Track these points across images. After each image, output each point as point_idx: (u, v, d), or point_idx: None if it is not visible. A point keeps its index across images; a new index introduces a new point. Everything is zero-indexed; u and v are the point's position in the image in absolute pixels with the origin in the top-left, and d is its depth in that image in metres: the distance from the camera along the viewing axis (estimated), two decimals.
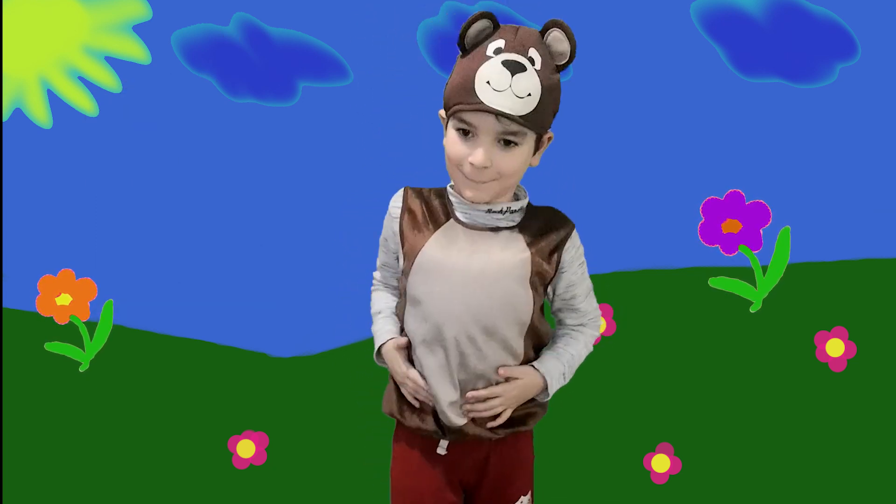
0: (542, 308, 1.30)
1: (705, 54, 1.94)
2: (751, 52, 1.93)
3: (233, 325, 2.05)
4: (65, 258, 2.03)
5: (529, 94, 1.16)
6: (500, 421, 1.27)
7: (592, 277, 1.37)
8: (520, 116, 1.15)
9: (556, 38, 1.19)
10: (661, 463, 2.01)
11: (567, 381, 1.32)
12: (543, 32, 1.20)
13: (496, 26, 1.20)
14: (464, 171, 1.19)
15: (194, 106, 1.98)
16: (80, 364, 2.05)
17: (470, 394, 1.24)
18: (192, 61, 1.97)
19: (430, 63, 1.95)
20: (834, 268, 1.97)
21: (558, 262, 1.25)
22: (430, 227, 1.25)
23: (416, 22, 1.94)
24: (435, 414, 1.27)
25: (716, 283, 1.98)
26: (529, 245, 1.23)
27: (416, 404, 1.28)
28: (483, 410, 1.25)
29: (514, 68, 1.15)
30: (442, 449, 1.29)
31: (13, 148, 2.01)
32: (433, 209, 1.27)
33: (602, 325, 1.99)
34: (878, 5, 1.91)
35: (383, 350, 1.31)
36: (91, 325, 2.05)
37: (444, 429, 1.27)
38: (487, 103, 1.14)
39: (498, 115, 1.15)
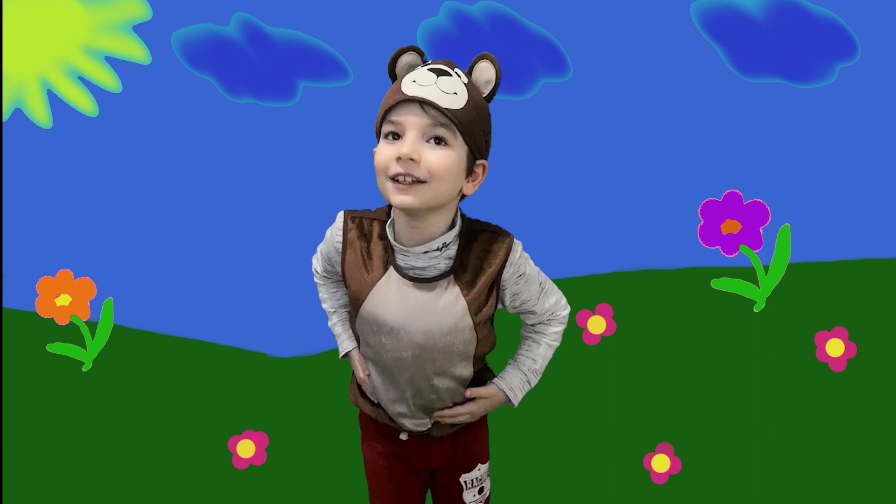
0: (490, 323, 1.33)
1: (705, 54, 1.94)
2: (751, 52, 1.93)
3: (233, 325, 2.05)
4: (65, 258, 2.03)
5: (456, 93, 1.14)
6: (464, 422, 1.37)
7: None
8: (446, 108, 1.12)
9: (483, 68, 1.19)
10: (661, 463, 2.01)
11: (533, 384, 1.37)
12: (471, 69, 1.21)
13: (423, 61, 1.22)
14: (390, 173, 1.14)
15: (194, 106, 1.99)
16: (82, 364, 2.05)
17: (437, 415, 1.34)
18: (192, 61, 1.97)
19: None
20: (834, 268, 1.98)
21: (498, 289, 1.25)
22: (371, 274, 1.24)
23: (416, 22, 1.94)
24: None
25: (719, 284, 1.98)
26: (466, 293, 1.23)
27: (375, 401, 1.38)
28: (451, 419, 1.35)
29: (440, 73, 1.15)
30: (404, 435, 1.38)
31: (13, 148, 2.01)
32: (372, 250, 1.25)
33: (602, 323, 2.00)
34: (878, 5, 1.91)
35: (351, 356, 1.42)
36: (92, 325, 2.05)
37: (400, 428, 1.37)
38: (412, 94, 1.13)
39: (422, 103, 1.12)
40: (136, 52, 1.97)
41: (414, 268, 1.23)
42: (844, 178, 1.95)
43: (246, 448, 2.06)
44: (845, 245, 1.97)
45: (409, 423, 1.35)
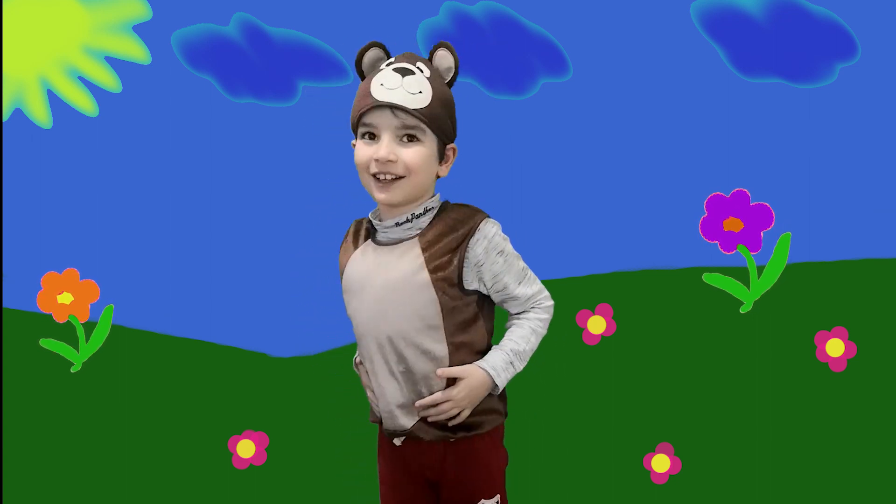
0: (478, 307, 1.33)
1: (705, 54, 1.94)
2: (751, 52, 1.93)
3: (233, 325, 2.05)
4: (65, 258, 2.03)
5: (421, 92, 1.25)
6: (457, 421, 1.32)
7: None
8: (414, 109, 1.24)
9: (441, 56, 1.30)
10: (661, 463, 2.01)
11: (519, 369, 1.35)
12: (430, 56, 1.31)
13: (388, 56, 1.31)
14: (371, 171, 1.26)
15: (194, 106, 1.99)
16: (72, 364, 2.05)
17: (418, 403, 1.30)
18: (192, 61, 1.98)
19: None
20: (834, 268, 1.97)
21: (462, 258, 1.29)
22: (353, 248, 1.36)
23: (416, 22, 1.94)
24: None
25: (709, 279, 1.98)
26: (424, 250, 1.29)
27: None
28: (436, 415, 1.31)
29: (404, 72, 1.26)
30: (397, 440, 1.35)
31: (13, 148, 2.01)
32: (359, 233, 1.37)
33: (602, 323, 2.00)
34: (878, 5, 1.91)
35: (356, 363, 1.44)
36: (89, 327, 2.05)
37: (394, 431, 1.34)
38: (382, 99, 1.24)
39: (392, 108, 1.24)
40: (136, 52, 1.97)
41: (389, 239, 1.32)
42: (844, 178, 1.95)
43: (246, 448, 2.06)
44: (845, 245, 1.97)
45: (390, 421, 1.32)
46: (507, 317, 1.40)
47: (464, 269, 1.28)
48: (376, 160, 1.25)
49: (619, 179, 1.97)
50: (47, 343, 2.04)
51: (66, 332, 2.05)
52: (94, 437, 2.07)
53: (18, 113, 1.99)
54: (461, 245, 1.28)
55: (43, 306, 2.03)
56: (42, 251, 2.03)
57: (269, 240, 2.02)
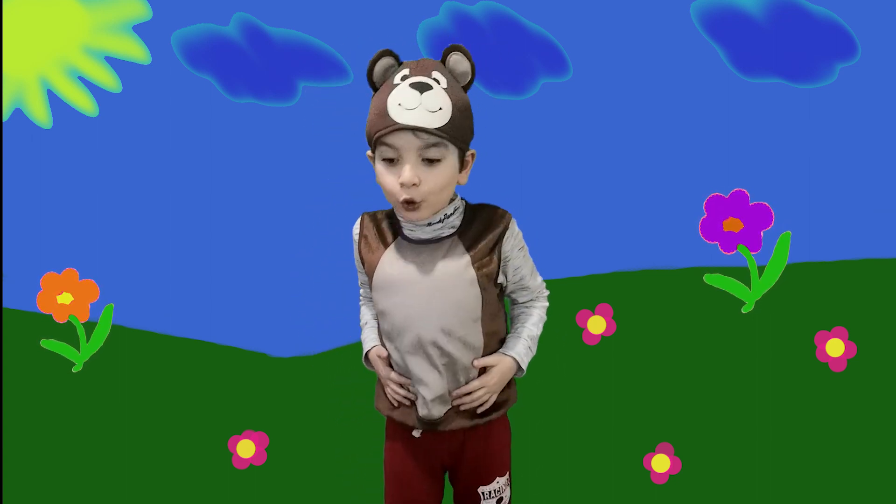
0: (499, 299, 1.42)
1: (705, 54, 1.94)
2: (751, 52, 1.93)
3: (233, 325, 2.05)
4: (65, 258, 2.03)
5: (440, 108, 1.24)
6: (486, 407, 1.41)
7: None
8: (435, 129, 1.23)
9: (456, 61, 1.29)
10: (661, 463, 2.02)
11: (534, 352, 1.44)
12: (444, 59, 1.30)
13: (399, 62, 1.30)
14: (399, 199, 1.27)
15: (194, 106, 1.99)
16: (73, 364, 2.05)
17: (456, 392, 1.38)
18: (192, 61, 1.98)
19: None
20: (834, 268, 1.98)
21: (500, 255, 1.36)
22: (382, 246, 1.37)
23: (416, 22, 1.94)
24: (414, 408, 1.40)
25: (711, 279, 1.98)
26: (469, 249, 1.34)
27: (395, 403, 1.42)
28: (471, 402, 1.39)
29: (422, 88, 1.24)
30: (416, 432, 1.41)
31: (13, 148, 2.01)
32: (382, 230, 1.38)
33: (602, 323, 2.01)
34: (878, 5, 1.91)
35: (369, 356, 1.47)
36: (89, 327, 2.05)
37: (422, 421, 1.39)
38: (402, 122, 1.23)
39: (414, 130, 1.23)
40: (136, 52, 1.97)
41: (420, 238, 1.35)
42: (844, 178, 1.95)
43: (246, 448, 2.06)
44: (845, 245, 1.97)
45: (425, 409, 1.37)
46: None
47: (500, 265, 1.36)
48: (401, 183, 1.26)
49: (620, 179, 1.97)
50: (48, 344, 2.04)
51: (66, 332, 2.05)
52: (94, 437, 2.07)
53: (18, 113, 1.99)
54: (497, 243, 1.35)
55: (43, 307, 2.03)
56: (42, 251, 2.03)
57: (269, 240, 2.02)
